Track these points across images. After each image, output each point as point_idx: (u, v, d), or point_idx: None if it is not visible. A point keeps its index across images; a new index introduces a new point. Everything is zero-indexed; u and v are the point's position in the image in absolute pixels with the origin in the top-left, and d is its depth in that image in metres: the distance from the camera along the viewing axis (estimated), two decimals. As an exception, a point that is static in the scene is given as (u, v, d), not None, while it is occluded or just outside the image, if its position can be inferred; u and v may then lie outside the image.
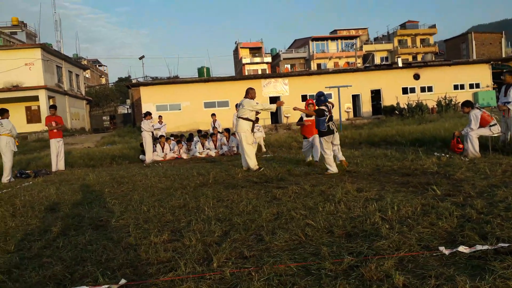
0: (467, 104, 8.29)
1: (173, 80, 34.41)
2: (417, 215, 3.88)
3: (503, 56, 45.97)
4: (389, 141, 12.38)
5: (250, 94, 8.64)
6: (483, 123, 7.97)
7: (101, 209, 5.28)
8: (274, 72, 51.78)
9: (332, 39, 57.47)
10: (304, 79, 31.86)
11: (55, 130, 11.28)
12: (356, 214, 4.08)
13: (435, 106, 27.78)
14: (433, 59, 43.31)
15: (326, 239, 3.40)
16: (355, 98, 32.60)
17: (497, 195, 4.43)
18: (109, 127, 39.26)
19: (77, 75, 40.63)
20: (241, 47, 58.33)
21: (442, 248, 2.93)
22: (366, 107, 32.39)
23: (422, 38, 59.67)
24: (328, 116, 7.30)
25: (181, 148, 13.91)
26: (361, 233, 3.49)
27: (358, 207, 4.35)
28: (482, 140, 8.23)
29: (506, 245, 2.91)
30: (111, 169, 10.75)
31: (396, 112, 27.92)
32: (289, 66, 55.69)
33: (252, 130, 8.62)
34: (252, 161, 8.34)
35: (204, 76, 36.36)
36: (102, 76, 73.33)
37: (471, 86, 32.97)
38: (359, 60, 53.33)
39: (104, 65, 79.22)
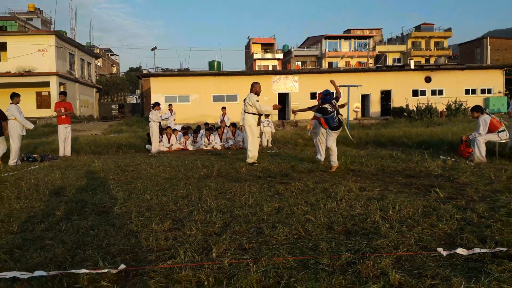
0: (477, 109, 8.22)
1: (183, 72, 34.50)
2: (417, 216, 3.88)
3: (518, 62, 45.36)
4: (395, 142, 12.32)
5: (254, 88, 8.59)
6: (492, 129, 7.91)
7: (105, 195, 5.34)
8: (285, 68, 51.69)
9: (345, 38, 57.12)
10: (315, 76, 31.74)
11: (63, 116, 11.39)
12: (357, 212, 4.09)
13: (445, 110, 27.55)
14: (446, 62, 42.88)
15: (326, 235, 3.42)
16: (365, 98, 32.43)
17: (499, 200, 4.41)
18: (117, 116, 39.55)
19: (88, 63, 40.90)
20: (253, 43, 58.19)
21: (440, 249, 2.93)
22: (375, 107, 32.22)
23: (436, 41, 59.06)
24: (335, 111, 7.27)
25: (187, 140, 13.97)
26: (361, 231, 3.50)
27: (359, 205, 4.36)
28: (489, 145, 8.17)
29: (505, 249, 2.90)
30: (117, 157, 10.84)
31: (405, 114, 27.74)
32: (300, 63, 55.50)
33: (258, 124, 8.60)
34: (252, 154, 8.41)
35: (214, 70, 36.40)
36: (114, 65, 73.73)
37: (482, 91, 32.62)
38: (371, 61, 52.97)
39: (116, 55, 79.65)
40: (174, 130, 14.16)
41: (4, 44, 31.17)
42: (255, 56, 55.63)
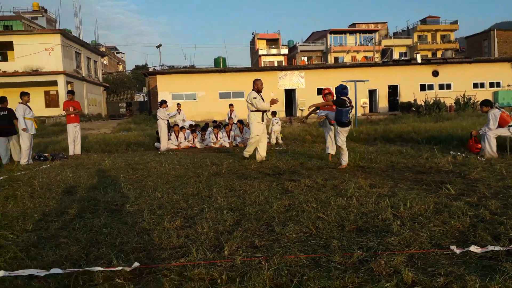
0: (486, 103, 8.15)
1: (189, 70, 34.53)
2: (429, 213, 3.87)
3: (527, 55, 44.80)
4: (404, 138, 12.26)
5: (255, 85, 8.59)
6: (502, 123, 7.84)
7: (116, 193, 5.39)
8: (291, 64, 51.51)
9: (351, 32, 56.75)
10: (321, 72, 31.61)
11: (72, 115, 11.47)
12: (368, 209, 4.09)
13: (453, 104, 27.31)
14: (453, 56, 42.48)
15: (337, 233, 3.42)
16: (372, 93, 32.26)
17: (512, 196, 4.38)
18: (125, 114, 39.74)
19: (95, 62, 41.10)
20: (258, 38, 58.07)
21: (453, 247, 2.92)
22: (383, 102, 32.04)
23: (442, 34, 58.44)
24: (351, 107, 7.25)
25: (195, 138, 14.01)
26: (372, 228, 3.50)
27: (370, 202, 4.35)
28: (500, 140, 8.10)
29: (519, 246, 2.89)
30: (127, 155, 10.91)
31: (413, 108, 27.54)
32: (305, 58, 55.27)
33: (262, 120, 8.59)
34: (249, 148, 8.58)
35: (220, 66, 36.40)
36: (120, 63, 74.00)
37: (491, 84, 32.29)
38: (377, 55, 52.62)
39: (122, 52, 79.89)
40: (182, 127, 14.21)
41: (11, 43, 31.41)
42: (260, 52, 55.52)
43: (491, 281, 2.36)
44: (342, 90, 7.29)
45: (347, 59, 52.52)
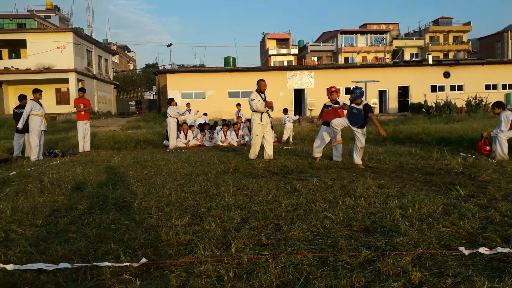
0: (498, 105, 8.05)
1: (199, 69, 34.65)
2: (438, 214, 3.83)
3: (540, 57, 44.15)
4: (414, 139, 12.17)
5: (258, 85, 8.61)
6: (514, 125, 7.73)
7: (125, 190, 5.43)
8: (301, 64, 51.41)
9: (362, 33, 56.44)
10: (331, 72, 31.49)
11: (82, 112, 11.58)
12: (376, 209, 4.06)
13: (464, 106, 26.99)
14: (465, 57, 41.99)
15: (344, 233, 3.41)
16: (382, 94, 32.06)
17: (523, 199, 4.32)
18: (134, 112, 39.96)
19: (106, 60, 41.45)
20: (268, 38, 58.06)
21: (462, 248, 2.89)
22: (393, 103, 31.82)
23: (455, 35, 57.83)
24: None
25: (204, 136, 14.06)
26: (380, 228, 3.48)
27: (378, 203, 4.32)
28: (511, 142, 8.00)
29: (529, 249, 2.85)
30: (135, 153, 10.99)
31: (423, 110, 27.27)
32: (315, 58, 55.11)
33: (261, 120, 8.60)
34: (252, 149, 8.67)
35: (230, 66, 36.46)
36: (130, 62, 74.55)
37: (503, 86, 31.89)
38: (388, 56, 52.28)
39: (133, 51, 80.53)
40: (191, 126, 14.27)
41: (23, 41, 31.85)
42: (270, 52, 55.49)
43: (500, 282, 2.34)
44: (362, 93, 7.23)
45: (358, 59, 52.24)
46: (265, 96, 8.59)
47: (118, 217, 4.07)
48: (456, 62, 33.86)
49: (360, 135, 7.27)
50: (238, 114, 16.24)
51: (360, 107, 7.09)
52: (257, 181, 5.84)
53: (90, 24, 53.24)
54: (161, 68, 41.32)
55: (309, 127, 19.34)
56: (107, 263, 2.82)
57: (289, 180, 5.87)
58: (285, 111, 15.01)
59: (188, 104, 17.52)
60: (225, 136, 13.97)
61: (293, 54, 56.00)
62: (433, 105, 26.38)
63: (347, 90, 30.03)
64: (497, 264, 2.67)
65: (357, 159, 7.37)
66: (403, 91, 32.16)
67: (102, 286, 2.53)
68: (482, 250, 2.84)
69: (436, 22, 58.51)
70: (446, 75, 31.76)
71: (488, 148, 8.09)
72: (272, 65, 51.13)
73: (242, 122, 14.67)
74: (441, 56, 53.81)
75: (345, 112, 7.74)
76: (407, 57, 53.62)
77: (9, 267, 2.79)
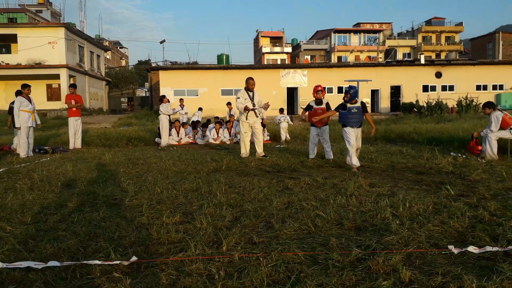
0: (489, 105, 8.12)
1: (192, 66, 34.54)
2: (428, 213, 3.86)
3: (530, 58, 44.64)
4: (405, 138, 12.24)
5: (246, 83, 8.68)
6: (503, 126, 7.81)
7: (116, 188, 5.39)
8: (294, 62, 51.46)
9: (355, 32, 56.59)
10: (324, 71, 31.58)
11: (74, 109, 11.47)
12: (367, 208, 4.08)
13: (455, 106, 27.24)
14: (457, 57, 42.36)
15: (335, 231, 3.42)
16: (374, 93, 32.21)
17: (511, 198, 4.37)
18: (126, 109, 39.75)
19: (98, 56, 41.10)
20: (262, 36, 57.96)
21: (451, 247, 2.92)
22: (385, 103, 32.00)
23: (447, 35, 58.25)
24: None
25: (196, 134, 14.02)
26: (371, 227, 3.50)
27: (369, 201, 4.35)
28: (501, 142, 8.08)
29: (517, 248, 2.88)
30: (127, 150, 10.92)
31: (415, 109, 27.47)
32: (309, 57, 55.16)
33: (246, 118, 8.65)
34: (242, 149, 8.72)
35: (223, 63, 36.36)
36: (123, 58, 74.00)
37: (494, 87, 32.23)
38: (381, 55, 52.51)
39: (125, 47, 79.93)
40: (184, 123, 14.21)
41: (14, 36, 31.43)
42: (264, 50, 55.42)
43: (488, 281, 2.36)
44: (356, 93, 7.22)
45: (351, 58, 52.41)
46: (253, 94, 8.63)
47: (108, 214, 4.05)
48: (448, 63, 34.14)
49: (360, 134, 7.25)
50: (230, 112, 16.23)
51: (359, 104, 7.08)
52: (249, 179, 5.84)
53: (82, 19, 52.85)
54: (153, 64, 41.11)
55: (302, 126, 19.36)
56: (97, 261, 2.80)
57: (281, 179, 5.88)
58: (281, 110, 15.10)
59: (181, 99, 17.46)
60: (217, 134, 13.94)
61: (287, 53, 55.99)
62: (425, 105, 26.58)
63: (340, 89, 30.16)
64: (486, 262, 2.70)
65: (356, 160, 6.98)
66: (395, 91, 32.35)
67: (92, 285, 2.51)
68: (471, 249, 2.87)
69: (428, 22, 58.88)
70: (438, 75, 32.00)
71: (479, 147, 8.16)
72: (265, 63, 51.11)
73: (234, 120, 14.64)
74: (433, 56, 54.19)
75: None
76: (399, 56, 53.92)
77: (-3, 265, 2.76)
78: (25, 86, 9.96)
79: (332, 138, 11.16)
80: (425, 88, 31.82)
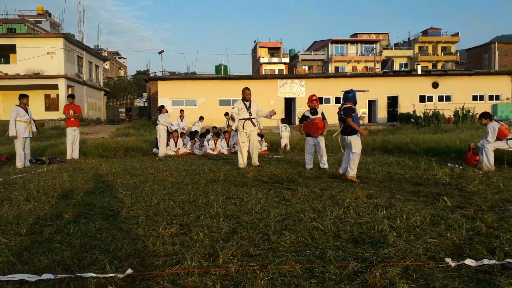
0: (485, 116, 8.16)
1: (191, 76, 34.64)
2: (425, 225, 3.85)
3: (526, 69, 44.98)
4: (402, 149, 12.26)
5: (243, 94, 8.84)
6: (500, 136, 7.84)
7: (112, 199, 5.37)
8: (291, 72, 51.71)
9: (352, 42, 57.03)
10: (321, 81, 31.74)
11: (72, 119, 11.46)
12: (364, 220, 4.07)
13: (452, 116, 27.38)
14: (454, 68, 42.65)
15: (333, 243, 3.41)
16: (371, 104, 32.34)
17: (508, 210, 4.37)
18: (124, 119, 39.75)
19: (96, 66, 41.22)
20: (260, 46, 58.35)
21: (448, 260, 2.91)
22: (382, 113, 32.11)
23: (443, 46, 58.80)
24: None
25: (194, 144, 14.00)
26: (368, 239, 3.49)
27: (367, 213, 4.34)
28: (498, 153, 8.10)
29: (515, 261, 2.87)
30: (124, 161, 10.90)
31: (412, 120, 27.60)
32: (306, 67, 55.48)
33: (243, 128, 8.78)
34: (240, 158, 8.80)
35: (221, 74, 36.52)
36: (121, 68, 74.23)
37: (490, 97, 32.40)
38: (378, 65, 52.85)
39: (124, 58, 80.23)
40: (182, 134, 14.21)
41: (13, 46, 31.54)
42: (262, 60, 55.74)
43: (485, 295, 2.35)
44: (355, 97, 7.34)
45: (348, 69, 52.74)
46: (250, 104, 8.78)
47: (104, 226, 4.02)
48: (444, 73, 34.37)
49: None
50: (228, 122, 16.26)
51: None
52: (246, 190, 5.83)
53: (81, 30, 53.06)
54: (152, 75, 41.24)
55: (299, 136, 19.39)
56: (91, 274, 2.77)
57: (278, 190, 5.87)
58: (282, 120, 15.26)
59: (181, 111, 17.48)
60: (215, 144, 13.94)
61: (284, 63, 56.31)
62: (422, 115, 26.71)
63: (337, 100, 30.27)
64: (483, 276, 2.69)
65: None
66: (393, 101, 32.50)
67: (86, 298, 2.48)
68: (468, 262, 2.85)
69: (425, 33, 59.43)
70: (435, 85, 32.20)
71: (477, 158, 8.18)
72: (263, 73, 51.36)
73: (232, 130, 14.64)
74: (430, 66, 54.60)
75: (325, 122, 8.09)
76: (396, 67, 54.29)
77: (-9, 278, 2.73)
78: (23, 96, 9.95)
79: (330, 148, 11.18)
80: (422, 99, 31.98)
